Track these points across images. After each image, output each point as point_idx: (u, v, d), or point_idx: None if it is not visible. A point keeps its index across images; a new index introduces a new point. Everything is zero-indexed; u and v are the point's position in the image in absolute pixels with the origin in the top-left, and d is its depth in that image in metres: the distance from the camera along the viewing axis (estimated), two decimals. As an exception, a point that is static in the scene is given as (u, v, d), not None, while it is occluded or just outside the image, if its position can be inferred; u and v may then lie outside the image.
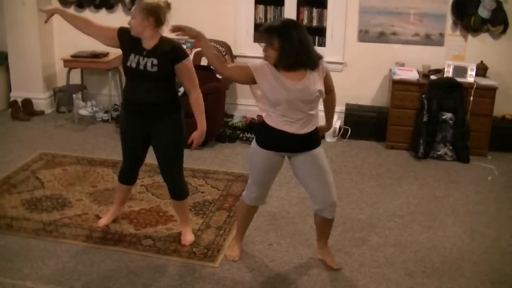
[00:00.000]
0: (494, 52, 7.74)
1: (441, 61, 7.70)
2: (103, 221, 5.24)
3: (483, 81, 7.39)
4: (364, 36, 7.96)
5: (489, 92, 7.27)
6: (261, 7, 8.32)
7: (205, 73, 7.33)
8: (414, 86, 7.38)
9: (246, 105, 8.45)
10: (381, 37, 7.91)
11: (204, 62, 7.42)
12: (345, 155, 7.34)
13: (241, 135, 7.78)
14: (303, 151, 4.33)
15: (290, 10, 8.19)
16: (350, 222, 5.45)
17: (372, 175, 6.69)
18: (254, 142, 4.44)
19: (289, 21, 4.23)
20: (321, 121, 4.54)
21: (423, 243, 5.18)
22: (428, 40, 7.86)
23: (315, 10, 8.24)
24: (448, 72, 7.44)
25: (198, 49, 7.50)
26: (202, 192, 5.99)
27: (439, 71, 7.63)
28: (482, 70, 7.59)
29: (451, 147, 7.29)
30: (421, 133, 7.24)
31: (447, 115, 7.21)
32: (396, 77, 7.45)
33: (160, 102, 4.60)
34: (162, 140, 4.70)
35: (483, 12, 7.51)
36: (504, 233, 5.44)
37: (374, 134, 7.81)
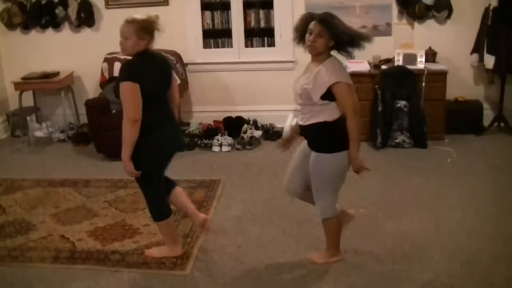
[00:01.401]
0: (441, 37, 7.87)
1: (390, 51, 7.81)
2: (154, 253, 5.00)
3: (433, 66, 7.51)
4: (313, 32, 8.00)
5: (440, 77, 7.38)
6: (207, 13, 8.34)
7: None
8: (366, 78, 7.45)
9: (201, 112, 8.47)
10: (330, 32, 7.94)
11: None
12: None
13: (199, 142, 7.77)
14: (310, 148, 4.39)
15: (237, 14, 8.22)
16: (316, 218, 5.47)
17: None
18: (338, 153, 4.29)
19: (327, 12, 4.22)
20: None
21: (390, 230, 5.22)
22: (375, 31, 7.95)
23: (261, 12, 8.29)
24: (399, 61, 7.53)
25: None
26: (166, 202, 5.97)
27: (389, 61, 7.73)
28: (431, 55, 7.71)
29: (408, 134, 7.38)
30: (377, 123, 7.32)
31: (401, 103, 7.29)
32: (348, 70, 7.46)
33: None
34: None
35: (428, -1, 7.64)
36: (468, 213, 5.52)
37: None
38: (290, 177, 4.64)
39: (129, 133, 4.27)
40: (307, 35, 4.09)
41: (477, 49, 7.76)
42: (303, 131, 4.37)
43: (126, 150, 4.32)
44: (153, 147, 4.45)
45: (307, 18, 4.15)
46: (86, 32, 8.49)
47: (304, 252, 4.89)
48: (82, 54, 8.44)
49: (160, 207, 4.74)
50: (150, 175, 4.54)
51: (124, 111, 4.28)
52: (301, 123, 4.32)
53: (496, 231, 5.17)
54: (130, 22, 4.37)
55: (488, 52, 7.60)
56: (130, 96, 4.25)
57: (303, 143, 4.48)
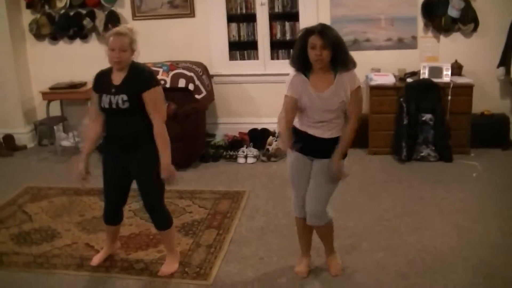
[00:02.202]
0: (467, 50, 7.83)
1: (416, 64, 7.79)
2: (95, 260, 5.08)
3: (459, 80, 7.47)
4: (338, 45, 8.02)
5: (466, 90, 7.35)
6: (233, 25, 8.37)
7: (183, 94, 7.40)
8: (391, 90, 7.45)
9: (227, 123, 8.50)
10: (355, 45, 7.96)
11: (181, 84, 7.44)
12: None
13: (224, 153, 7.80)
14: (323, 157, 4.40)
15: (262, 25, 8.25)
16: (338, 230, 5.45)
17: (356, 182, 6.72)
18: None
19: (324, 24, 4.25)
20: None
21: (412, 244, 5.21)
22: (401, 43, 7.94)
23: (287, 24, 8.31)
24: (424, 74, 7.51)
25: (175, 71, 7.53)
26: (190, 212, 6.01)
27: (415, 74, 7.71)
28: (457, 69, 7.68)
29: (433, 148, 7.35)
30: (402, 136, 7.30)
31: (427, 116, 7.27)
32: (373, 83, 7.52)
33: (136, 134, 4.51)
34: (140, 171, 4.62)
35: (452, 11, 7.62)
36: (492, 227, 5.49)
37: (356, 141, 7.66)
38: (303, 196, 4.61)
39: (167, 134, 4.49)
40: (310, 50, 4.09)
41: (503, 62, 7.72)
42: (320, 143, 4.35)
43: (169, 154, 4.50)
44: None
45: (305, 33, 4.13)
46: (95, 42, 8.63)
47: (325, 264, 4.89)
48: (108, 65, 8.51)
49: (169, 213, 4.88)
50: (162, 180, 4.62)
51: (160, 115, 4.47)
52: (320, 136, 4.32)
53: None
54: (124, 34, 4.40)
55: (514, 66, 7.56)
56: (162, 100, 4.51)
57: (295, 157, 4.47)
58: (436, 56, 7.90)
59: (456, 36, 7.89)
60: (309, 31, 4.10)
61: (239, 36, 8.41)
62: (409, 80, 7.56)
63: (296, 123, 4.35)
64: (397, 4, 7.84)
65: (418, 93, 7.28)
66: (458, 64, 7.72)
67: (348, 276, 4.74)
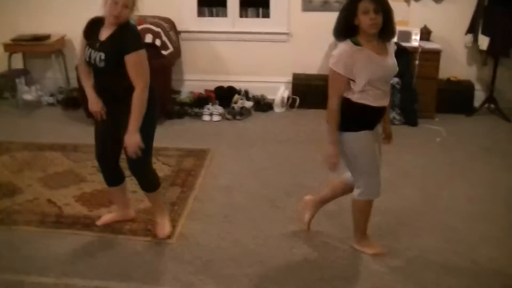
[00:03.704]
0: (437, 16, 7.82)
1: (385, 27, 7.75)
2: (101, 221, 4.92)
3: (428, 45, 7.49)
4: (308, 5, 7.97)
5: (434, 56, 7.37)
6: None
7: (150, 50, 7.26)
8: (360, 53, 7.42)
9: (193, 80, 8.41)
10: (325, 6, 7.92)
11: (148, 39, 7.32)
12: (295, 125, 7.36)
13: (189, 111, 7.73)
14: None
15: (233, -18, 8.15)
16: (305, 190, 5.46)
17: (323, 143, 6.68)
18: (350, 133, 4.17)
19: None
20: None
21: (377, 206, 5.16)
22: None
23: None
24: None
25: (142, 26, 7.40)
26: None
27: (384, 37, 7.67)
28: (426, 34, 7.69)
29: (399, 111, 7.37)
30: (369, 99, 7.28)
31: (394, 80, 7.26)
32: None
33: (115, 94, 4.32)
34: (127, 125, 4.31)
35: (425, -24, 7.60)
36: (456, 192, 5.54)
37: (323, 102, 7.77)
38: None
39: (145, 102, 4.26)
40: (362, 16, 3.89)
41: (472, 29, 7.73)
42: (382, 112, 4.21)
43: (139, 122, 4.24)
44: (155, 115, 4.50)
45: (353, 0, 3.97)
46: None
47: (292, 224, 4.89)
48: (74, 18, 8.27)
49: (156, 176, 4.73)
50: (150, 144, 4.49)
51: (141, 80, 4.21)
52: (383, 104, 4.14)
53: (483, 212, 5.18)
54: None
55: (482, 33, 7.57)
56: (146, 63, 4.26)
57: (367, 137, 4.20)
58: (406, 20, 7.87)
59: (427, 2, 7.87)
60: None
61: (210, -6, 8.31)
62: (377, 42, 7.53)
63: (360, 98, 4.05)
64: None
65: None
66: (427, 29, 7.72)
67: (313, 237, 4.76)
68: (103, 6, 4.20)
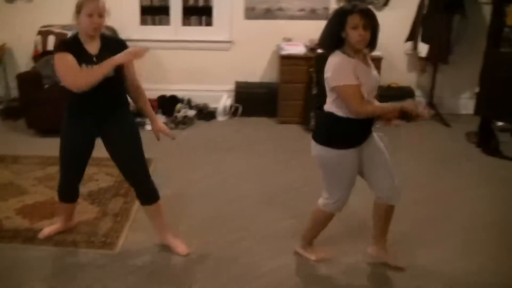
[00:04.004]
0: (378, 23, 7.92)
1: (327, 34, 7.83)
2: (45, 233, 4.83)
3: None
4: (251, 13, 8.00)
5: (375, 62, 7.22)
6: (144, -11, 8.23)
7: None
8: (302, 60, 7.49)
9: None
10: (268, 14, 7.97)
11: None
12: (237, 133, 7.38)
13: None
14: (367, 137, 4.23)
15: (175, -9, 8.15)
16: (247, 199, 5.50)
17: (266, 151, 6.76)
18: (328, 148, 4.12)
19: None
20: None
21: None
22: (313, 14, 7.98)
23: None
24: (334, 45, 7.57)
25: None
26: (97, 180, 5.90)
27: (324, 44, 7.75)
28: (366, 41, 7.77)
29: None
30: (311, 106, 7.36)
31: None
32: (283, 53, 7.55)
33: (122, 96, 4.35)
34: (124, 137, 4.40)
35: (366, -16, 7.71)
36: (404, 191, 5.63)
37: (265, 110, 7.89)
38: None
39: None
40: (351, 31, 3.84)
41: (411, 37, 7.88)
42: (371, 123, 4.19)
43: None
44: None
45: (342, 13, 3.89)
46: (20, 3, 8.25)
47: (237, 231, 4.92)
48: (15, 26, 8.22)
49: None
50: None
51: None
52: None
53: (424, 215, 5.30)
54: None
55: (422, 41, 7.73)
56: None
57: (347, 155, 4.13)
58: (347, 28, 7.96)
59: (368, 9, 7.97)
60: (346, 11, 3.88)
61: (152, 1, 8.27)
62: (319, 51, 7.60)
63: (345, 113, 4.00)
64: (312, -25, 7.87)
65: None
66: (363, 36, 7.83)
67: (258, 241, 4.80)
68: (77, 24, 4.11)
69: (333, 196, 4.29)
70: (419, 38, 7.76)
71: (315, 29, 7.75)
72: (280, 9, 7.96)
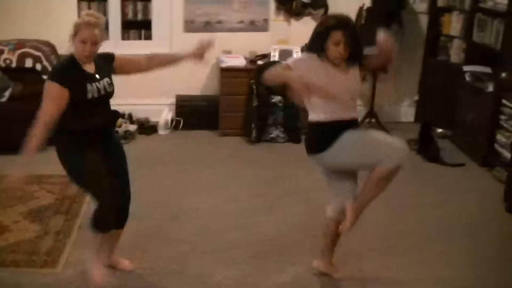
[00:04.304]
0: (316, 35, 8.01)
1: (267, 46, 7.89)
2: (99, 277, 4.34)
3: (308, 63, 7.65)
4: (190, 26, 7.99)
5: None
6: (84, 4, 8.12)
7: (30, 75, 7.15)
8: (242, 72, 7.51)
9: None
10: (207, 26, 7.97)
11: (28, 64, 7.18)
12: (179, 147, 7.36)
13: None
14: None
15: (114, 5, 8.07)
16: (190, 212, 5.49)
17: (208, 163, 6.76)
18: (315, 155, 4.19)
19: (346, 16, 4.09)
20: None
21: (263, 224, 5.31)
22: (253, 26, 8.02)
23: (139, 4, 8.19)
24: (274, 56, 7.65)
25: (22, 50, 7.25)
26: (37, 198, 5.80)
27: (265, 56, 7.81)
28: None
29: (282, 129, 7.51)
30: (252, 118, 7.40)
31: (276, 98, 7.41)
32: (223, 65, 7.57)
33: (113, 116, 4.42)
34: (120, 155, 4.38)
35: (304, -4, 7.80)
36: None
37: (207, 123, 7.88)
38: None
39: None
40: (332, 46, 3.93)
41: (350, 47, 7.97)
42: (354, 124, 4.14)
43: None
44: None
45: (328, 28, 3.95)
46: None
47: (181, 244, 4.92)
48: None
49: None
50: None
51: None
52: (353, 116, 4.13)
53: (373, 224, 5.32)
54: (96, 25, 4.00)
55: (360, 50, 7.81)
56: None
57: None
58: (287, 39, 8.04)
59: (307, 20, 8.06)
60: (330, 26, 3.95)
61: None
62: (259, 62, 7.66)
63: (319, 116, 4.08)
64: (251, -13, 7.93)
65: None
66: (302, 47, 7.90)
67: (200, 256, 4.80)
68: (71, 45, 4.10)
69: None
70: (358, 48, 7.85)
71: (255, 41, 7.93)
72: (219, 21, 7.98)
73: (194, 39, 7.78)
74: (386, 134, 4.25)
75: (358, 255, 4.84)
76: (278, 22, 8.07)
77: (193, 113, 7.88)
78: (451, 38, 8.05)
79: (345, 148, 4.03)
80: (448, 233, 5.32)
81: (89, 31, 3.97)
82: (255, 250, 4.85)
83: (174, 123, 7.94)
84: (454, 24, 7.92)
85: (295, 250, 4.88)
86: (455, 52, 7.94)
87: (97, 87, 4.08)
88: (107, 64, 4.24)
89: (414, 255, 4.84)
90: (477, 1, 7.30)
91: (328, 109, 4.03)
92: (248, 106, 7.48)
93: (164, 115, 7.91)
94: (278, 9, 8.02)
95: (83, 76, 4.04)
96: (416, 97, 8.63)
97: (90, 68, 4.11)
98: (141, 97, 8.22)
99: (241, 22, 8.00)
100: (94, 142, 4.17)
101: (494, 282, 4.63)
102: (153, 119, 7.99)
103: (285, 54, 7.60)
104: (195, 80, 8.11)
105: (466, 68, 7.40)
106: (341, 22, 3.98)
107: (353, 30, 4.01)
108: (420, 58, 8.48)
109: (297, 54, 7.62)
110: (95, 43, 4.00)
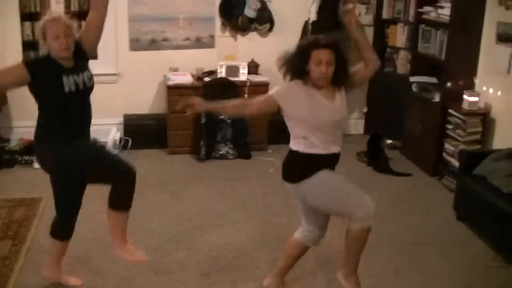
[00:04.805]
0: (263, 50, 8.01)
1: (214, 63, 7.87)
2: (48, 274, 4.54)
3: (256, 78, 7.69)
4: (136, 44, 7.93)
5: (262, 88, 7.53)
6: (27, 24, 7.95)
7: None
8: (190, 90, 7.44)
9: (22, 127, 8.10)
10: (153, 44, 7.92)
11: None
12: (129, 166, 7.28)
13: (19, 159, 7.43)
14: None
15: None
16: (140, 232, 5.41)
17: (157, 182, 6.69)
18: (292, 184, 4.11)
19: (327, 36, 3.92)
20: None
21: (214, 242, 5.26)
22: (199, 43, 8.00)
23: (83, 23, 8.05)
24: (221, 73, 7.63)
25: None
26: (-17, 223, 5.69)
27: (212, 73, 7.79)
28: (253, 67, 7.88)
29: (231, 146, 7.48)
30: (201, 135, 7.36)
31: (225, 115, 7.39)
32: (170, 83, 7.52)
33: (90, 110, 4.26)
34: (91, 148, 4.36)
35: (249, 12, 7.80)
36: (293, 220, 5.65)
37: (156, 142, 7.81)
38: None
39: None
40: (314, 66, 3.78)
41: (297, 61, 7.99)
42: (335, 159, 4.08)
43: None
44: None
45: (308, 45, 3.83)
46: None
47: (129, 266, 4.78)
48: None
49: None
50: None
51: None
52: (335, 151, 4.02)
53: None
54: (61, 17, 3.95)
55: (308, 63, 7.84)
56: None
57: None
58: (234, 55, 8.04)
59: (253, 36, 8.08)
60: (311, 45, 3.82)
61: (34, 35, 8.08)
62: (206, 79, 7.64)
63: (299, 146, 3.96)
64: (197, 4, 7.90)
65: (215, 92, 7.36)
66: (255, 62, 7.91)
67: (151, 277, 4.72)
68: (47, 50, 3.96)
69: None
70: (305, 62, 7.88)
71: (201, 57, 7.92)
72: (165, 39, 7.94)
73: (141, 58, 7.91)
74: (357, 188, 4.08)
75: (307, 270, 4.82)
76: (224, 38, 8.06)
77: (141, 132, 7.80)
78: (397, 49, 8.16)
79: (317, 189, 3.99)
80: (398, 243, 5.35)
81: (56, 24, 3.88)
82: (205, 269, 4.80)
83: (122, 142, 7.84)
84: (399, 36, 8.05)
85: (247, 268, 4.84)
86: (401, 64, 8.06)
87: (75, 81, 3.97)
88: (81, 55, 4.07)
89: (363, 266, 4.83)
90: (420, 13, 7.40)
91: (309, 140, 3.91)
92: (197, 124, 7.44)
93: (112, 135, 7.81)
94: (223, 25, 8.01)
95: (58, 69, 3.93)
96: (365, 109, 8.70)
97: (68, 63, 3.97)
98: (88, 118, 8.13)
99: (187, 39, 7.96)
100: (74, 136, 4.10)
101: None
102: (101, 139, 7.88)
103: (232, 70, 7.60)
104: (142, 98, 8.05)
105: (412, 79, 7.49)
106: (321, 40, 3.84)
107: (335, 47, 3.84)
108: (367, 70, 8.55)
109: (244, 69, 7.62)
110: (68, 35, 3.89)
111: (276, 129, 7.75)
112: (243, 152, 7.49)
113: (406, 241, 5.38)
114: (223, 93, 7.32)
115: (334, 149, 4.00)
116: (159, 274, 4.75)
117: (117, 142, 7.76)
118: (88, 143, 4.31)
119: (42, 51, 4.04)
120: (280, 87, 3.97)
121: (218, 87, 7.42)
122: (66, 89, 3.95)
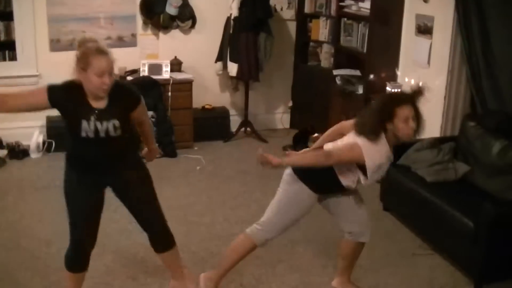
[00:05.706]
0: (186, 47, 8.00)
1: (136, 61, 7.78)
2: None
3: (179, 76, 7.66)
4: (56, 45, 7.78)
5: (186, 86, 7.54)
6: None
7: None
8: (112, 89, 7.38)
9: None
10: (74, 45, 7.73)
11: None
12: (53, 169, 7.08)
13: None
14: None
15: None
16: (65, 238, 5.31)
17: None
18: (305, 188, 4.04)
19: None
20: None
21: (142, 244, 5.17)
22: (121, 42, 7.90)
23: (1, 24, 7.89)
24: (144, 71, 7.56)
25: None
26: None
27: (135, 71, 7.71)
28: (176, 65, 7.84)
29: (157, 144, 7.39)
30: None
31: (149, 113, 7.30)
32: (93, 83, 7.40)
33: (123, 151, 3.86)
34: (135, 181, 3.98)
35: (170, 9, 7.75)
36: (217, 218, 5.69)
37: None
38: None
39: None
40: (401, 123, 3.69)
41: (220, 57, 7.99)
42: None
43: None
44: None
45: (393, 101, 3.76)
46: None
47: (58, 271, 4.64)
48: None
49: None
50: None
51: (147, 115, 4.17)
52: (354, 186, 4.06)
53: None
54: (108, 52, 3.58)
55: (231, 60, 7.85)
56: None
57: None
58: (156, 53, 7.98)
59: (175, 33, 8.04)
60: (395, 102, 3.74)
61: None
62: (129, 78, 7.56)
63: (343, 176, 3.95)
64: (117, 2, 7.79)
65: (139, 91, 7.26)
66: (178, 60, 7.87)
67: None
68: (80, 79, 3.62)
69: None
70: (228, 58, 7.87)
71: (123, 56, 7.77)
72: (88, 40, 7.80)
73: (62, 58, 7.70)
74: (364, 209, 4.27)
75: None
76: (146, 37, 7.99)
77: (65, 134, 7.64)
78: (320, 43, 8.24)
79: (337, 207, 4.21)
80: (326, 233, 5.41)
81: (105, 61, 3.52)
82: (132, 272, 4.77)
83: (46, 145, 7.69)
84: (322, 30, 8.12)
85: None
86: (325, 57, 8.14)
87: (96, 128, 3.64)
88: (120, 100, 3.75)
89: (283, 263, 4.86)
90: (342, 7, 7.48)
91: (351, 174, 3.92)
92: (121, 123, 7.36)
93: (35, 138, 7.65)
94: (145, 23, 7.93)
95: (80, 110, 3.63)
96: (290, 104, 8.74)
97: (98, 103, 3.66)
98: (9, 120, 7.91)
99: (109, 38, 7.85)
100: (92, 173, 3.84)
101: (373, 280, 4.73)
102: (24, 142, 7.71)
103: (155, 68, 7.54)
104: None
105: (336, 72, 7.59)
106: (406, 95, 3.83)
107: (417, 101, 3.78)
108: (291, 65, 8.61)
109: (166, 67, 7.56)
110: (110, 74, 3.54)
111: (202, 126, 7.77)
112: (169, 151, 7.44)
113: (332, 230, 5.40)
114: (146, 92, 7.26)
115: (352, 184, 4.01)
116: (87, 278, 4.66)
117: (41, 145, 7.61)
118: (93, 199, 4.01)
119: (74, 76, 3.67)
120: (368, 147, 3.77)
121: (141, 86, 7.30)
122: (83, 134, 3.64)
